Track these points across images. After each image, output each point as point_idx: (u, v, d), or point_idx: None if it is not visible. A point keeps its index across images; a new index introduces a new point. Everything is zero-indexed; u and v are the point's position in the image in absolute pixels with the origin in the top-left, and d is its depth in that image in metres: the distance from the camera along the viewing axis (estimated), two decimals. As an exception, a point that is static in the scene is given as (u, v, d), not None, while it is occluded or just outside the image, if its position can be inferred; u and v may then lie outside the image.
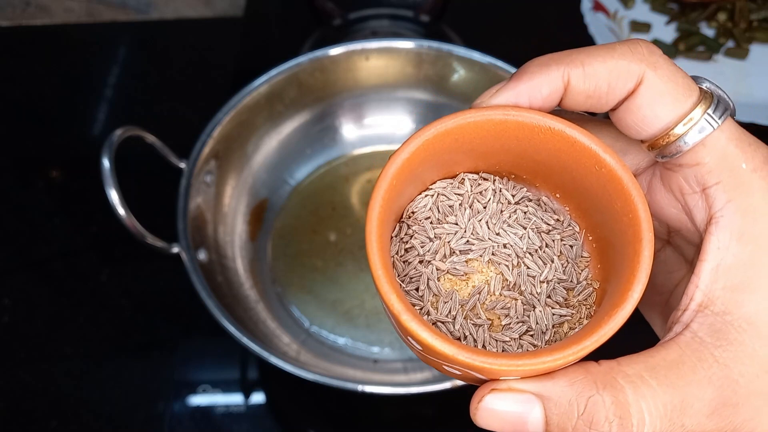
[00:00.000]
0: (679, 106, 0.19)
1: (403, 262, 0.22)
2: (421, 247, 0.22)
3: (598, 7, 0.68)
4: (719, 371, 0.18)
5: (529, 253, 0.22)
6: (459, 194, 0.22)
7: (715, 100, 0.19)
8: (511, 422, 0.18)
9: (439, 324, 0.21)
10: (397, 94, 0.61)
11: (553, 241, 0.22)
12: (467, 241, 0.22)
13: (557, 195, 0.23)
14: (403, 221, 0.22)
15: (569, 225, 0.22)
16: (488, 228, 0.22)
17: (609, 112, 0.20)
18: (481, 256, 0.22)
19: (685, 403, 0.18)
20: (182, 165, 0.51)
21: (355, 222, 0.57)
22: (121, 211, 0.44)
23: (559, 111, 0.21)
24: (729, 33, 0.66)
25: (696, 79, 0.20)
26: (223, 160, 0.55)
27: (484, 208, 0.22)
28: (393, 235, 0.22)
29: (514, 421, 0.18)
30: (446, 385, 0.42)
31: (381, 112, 0.62)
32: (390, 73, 0.59)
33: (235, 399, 0.51)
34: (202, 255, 0.50)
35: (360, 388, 0.42)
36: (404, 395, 0.43)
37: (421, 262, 0.22)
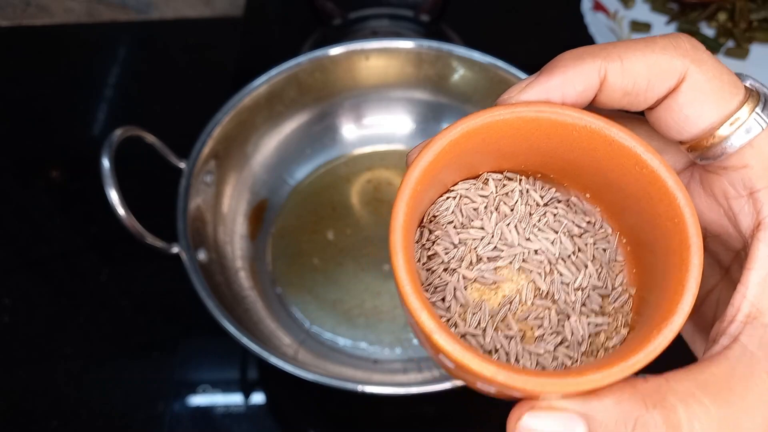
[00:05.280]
0: (724, 105, 0.18)
1: (426, 270, 0.20)
2: (445, 253, 0.20)
3: (598, 7, 0.68)
4: None
5: (562, 259, 0.20)
6: (483, 196, 0.21)
7: (762, 99, 0.18)
8: None
9: (468, 337, 0.19)
10: (396, 94, 0.61)
11: (586, 245, 0.21)
12: (495, 247, 0.20)
13: (587, 195, 0.21)
14: (423, 226, 0.21)
15: (601, 227, 0.21)
16: (518, 233, 0.20)
17: (645, 110, 0.19)
18: (510, 263, 0.20)
19: (738, 424, 0.16)
20: (182, 165, 0.51)
21: (354, 222, 0.57)
22: (121, 211, 0.44)
23: (589, 107, 0.19)
24: (729, 33, 0.66)
25: (739, 76, 0.18)
26: (223, 160, 0.55)
27: (512, 210, 0.21)
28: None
29: None
30: (446, 385, 0.42)
31: (381, 112, 0.62)
32: (390, 73, 0.59)
33: (235, 399, 0.51)
34: (202, 255, 0.49)
35: (360, 388, 0.42)
36: (404, 395, 0.42)
37: (445, 270, 0.20)
